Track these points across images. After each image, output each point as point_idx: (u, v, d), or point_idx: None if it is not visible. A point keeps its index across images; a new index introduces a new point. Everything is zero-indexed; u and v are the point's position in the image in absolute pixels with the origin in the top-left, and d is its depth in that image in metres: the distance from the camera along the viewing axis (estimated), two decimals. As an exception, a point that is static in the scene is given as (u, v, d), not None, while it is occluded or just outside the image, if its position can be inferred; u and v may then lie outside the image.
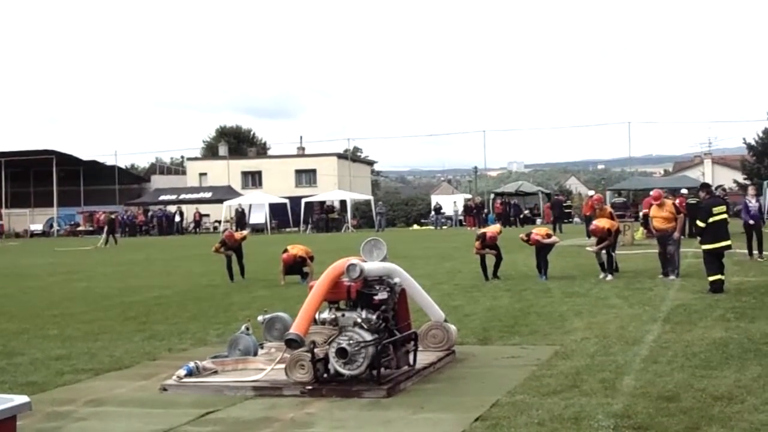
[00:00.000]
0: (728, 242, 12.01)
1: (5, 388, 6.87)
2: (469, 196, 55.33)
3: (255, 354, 7.70)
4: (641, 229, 26.23)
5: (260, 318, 8.05)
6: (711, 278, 11.76)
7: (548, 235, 15.19)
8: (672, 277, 13.86)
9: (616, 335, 8.62)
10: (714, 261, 11.83)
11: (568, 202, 49.89)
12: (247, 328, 7.97)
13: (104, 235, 36.78)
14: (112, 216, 40.33)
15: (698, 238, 12.94)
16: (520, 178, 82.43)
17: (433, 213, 49.41)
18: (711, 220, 11.94)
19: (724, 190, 25.74)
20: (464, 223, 47.12)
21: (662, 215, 14.32)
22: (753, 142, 50.98)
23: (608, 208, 17.26)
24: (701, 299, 11.09)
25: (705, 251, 12.01)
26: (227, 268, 16.24)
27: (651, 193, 15.56)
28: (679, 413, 5.47)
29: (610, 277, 14.22)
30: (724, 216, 12.10)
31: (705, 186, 14.37)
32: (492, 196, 53.12)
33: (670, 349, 7.72)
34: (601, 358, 7.43)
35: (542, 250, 14.87)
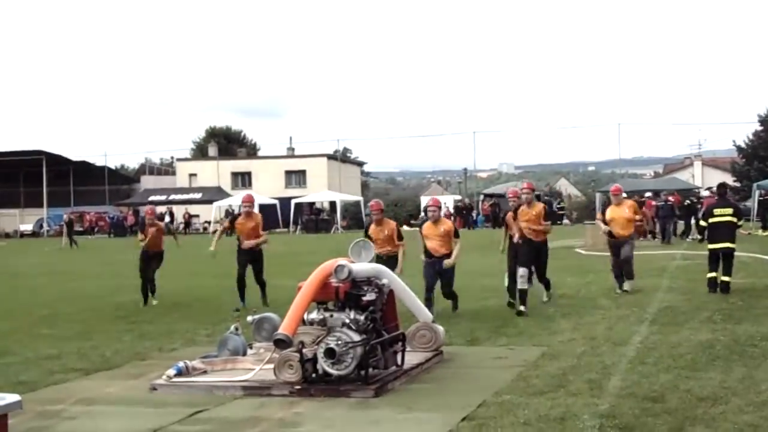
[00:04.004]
0: (724, 245, 12.15)
1: (-3, 388, 6.88)
2: (459, 197, 55.43)
3: (244, 354, 7.75)
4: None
5: (249, 318, 8.09)
6: (708, 275, 12.18)
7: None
8: (626, 287, 12.46)
9: (603, 336, 8.68)
10: (711, 260, 12.21)
11: (562, 204, 50.06)
12: (237, 329, 8.02)
13: (65, 237, 37.09)
14: (71, 217, 40.84)
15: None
16: (510, 179, 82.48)
17: (422, 214, 49.49)
18: (711, 221, 12.34)
19: (712, 192, 25.80)
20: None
21: (623, 215, 12.59)
22: (743, 144, 51.15)
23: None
24: (688, 301, 11.18)
25: (708, 249, 12.46)
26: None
27: (611, 187, 13.75)
28: (664, 414, 5.51)
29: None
30: (725, 219, 12.27)
31: (719, 187, 14.12)
32: (481, 197, 53.20)
33: (656, 350, 7.77)
34: (588, 359, 7.49)
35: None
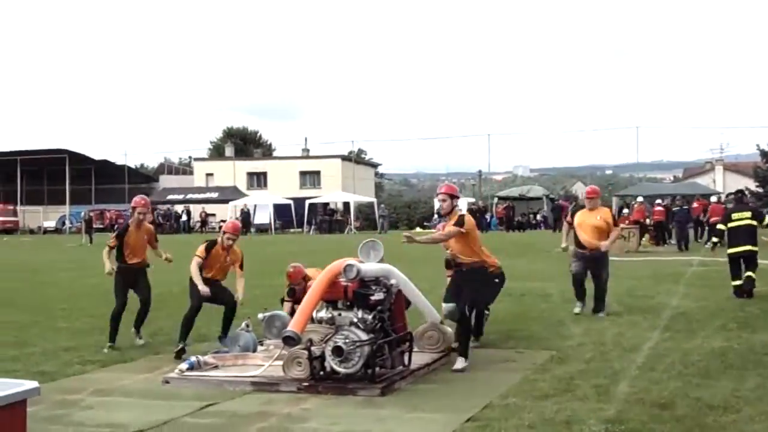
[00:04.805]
0: (744, 248, 12.21)
1: (18, 376, 7.01)
2: (473, 199, 55.35)
3: (254, 350, 7.85)
4: (647, 235, 26.13)
5: (260, 316, 8.18)
6: (732, 283, 12.22)
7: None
8: (602, 314, 10.59)
9: (613, 342, 8.63)
10: (733, 265, 12.29)
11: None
12: (248, 325, 8.12)
13: (84, 234, 38.23)
14: (90, 214, 42.11)
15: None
16: (526, 182, 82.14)
17: (436, 216, 49.47)
18: (729, 225, 12.46)
19: (719, 200, 25.76)
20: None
21: (593, 224, 10.62)
22: (767, 148, 50.36)
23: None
24: (704, 308, 11.04)
25: (727, 255, 12.55)
26: None
27: (585, 189, 11.94)
28: (672, 420, 5.47)
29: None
30: (744, 222, 12.35)
31: (736, 192, 14.53)
32: (495, 200, 53.08)
33: (667, 356, 7.70)
34: (597, 364, 7.45)
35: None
